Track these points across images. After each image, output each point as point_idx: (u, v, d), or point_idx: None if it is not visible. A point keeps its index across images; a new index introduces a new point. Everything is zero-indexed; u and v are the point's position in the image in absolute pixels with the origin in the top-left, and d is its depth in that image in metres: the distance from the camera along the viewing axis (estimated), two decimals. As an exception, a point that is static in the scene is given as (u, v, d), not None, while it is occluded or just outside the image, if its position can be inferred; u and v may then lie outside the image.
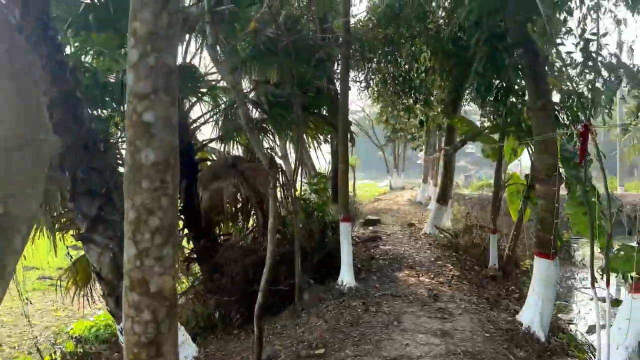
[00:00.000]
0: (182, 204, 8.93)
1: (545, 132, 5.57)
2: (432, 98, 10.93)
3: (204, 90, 8.56)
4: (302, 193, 9.70)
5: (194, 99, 9.06)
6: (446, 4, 9.40)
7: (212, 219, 8.74)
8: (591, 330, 6.62)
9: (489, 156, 10.91)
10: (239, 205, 8.32)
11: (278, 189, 8.53)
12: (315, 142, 10.83)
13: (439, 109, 11.41)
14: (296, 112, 7.00)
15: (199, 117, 9.50)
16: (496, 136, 10.60)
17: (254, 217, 8.61)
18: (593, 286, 4.40)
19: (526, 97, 6.61)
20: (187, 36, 7.75)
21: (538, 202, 5.76)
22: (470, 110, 21.68)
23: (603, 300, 4.47)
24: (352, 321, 5.53)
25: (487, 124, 10.87)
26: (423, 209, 19.26)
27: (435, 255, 9.72)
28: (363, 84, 11.22)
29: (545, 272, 5.53)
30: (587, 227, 10.06)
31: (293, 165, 9.73)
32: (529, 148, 10.12)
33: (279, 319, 6.44)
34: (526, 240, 12.62)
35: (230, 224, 9.56)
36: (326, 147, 12.70)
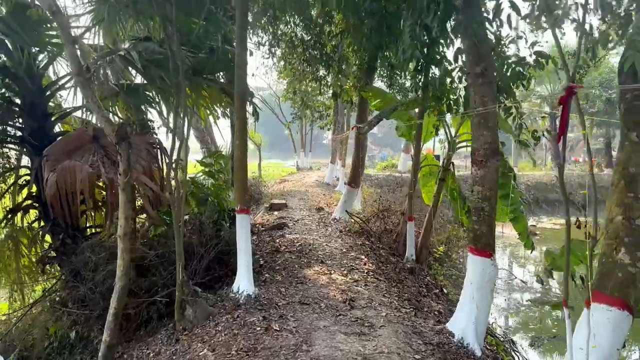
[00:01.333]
0: (34, 189, 6.89)
1: (485, 103, 4.60)
2: (345, 67, 9.73)
3: (56, 41, 6.51)
4: (200, 176, 8.07)
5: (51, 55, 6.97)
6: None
7: (73, 208, 6.79)
8: (534, 343, 5.98)
9: (404, 135, 10.09)
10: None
11: (160, 170, 6.87)
12: (212, 115, 9.24)
13: (351, 81, 10.30)
14: (182, 76, 5.36)
15: (59, 79, 7.40)
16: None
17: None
18: (566, 305, 3.50)
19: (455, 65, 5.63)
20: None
21: (474, 188, 4.84)
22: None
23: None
24: (249, 347, 4.19)
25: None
26: (331, 190, 18.40)
27: (347, 244, 8.70)
28: (267, 48, 9.71)
29: (482, 273, 4.64)
30: (505, 213, 9.62)
31: (176, 142, 8.11)
32: (446, 127, 9.45)
33: (152, 343, 4.90)
34: (438, 225, 12.20)
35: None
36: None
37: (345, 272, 6.81)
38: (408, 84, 9.75)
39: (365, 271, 6.89)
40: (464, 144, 9.47)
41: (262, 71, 35.47)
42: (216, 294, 5.73)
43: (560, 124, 3.38)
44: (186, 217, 6.64)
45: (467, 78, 4.78)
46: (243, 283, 5.48)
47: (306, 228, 10.29)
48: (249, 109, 10.05)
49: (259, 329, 4.58)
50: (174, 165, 5.37)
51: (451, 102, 7.22)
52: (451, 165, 9.15)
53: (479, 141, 4.75)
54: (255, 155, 28.81)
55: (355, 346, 4.23)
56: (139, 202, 6.41)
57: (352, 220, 10.66)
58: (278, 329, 4.56)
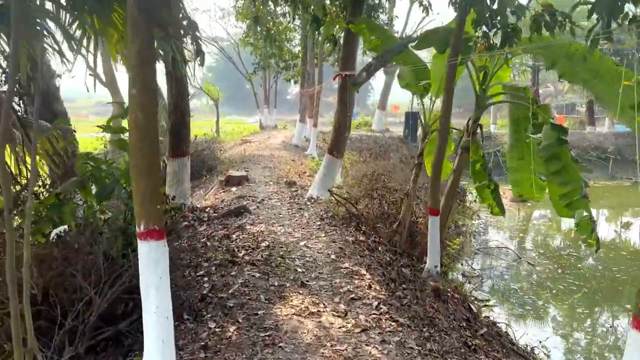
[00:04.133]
0: None
1: None
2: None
3: None
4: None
5: None
6: None
7: None
8: None
9: (409, 87, 7.35)
10: None
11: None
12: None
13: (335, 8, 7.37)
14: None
15: None
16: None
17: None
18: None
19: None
20: None
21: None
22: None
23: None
24: None
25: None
26: (301, 154, 15.62)
27: (335, 243, 6.07)
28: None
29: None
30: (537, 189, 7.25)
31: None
32: (474, 73, 6.75)
33: None
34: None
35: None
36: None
37: (342, 307, 4.19)
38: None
39: (374, 303, 4.29)
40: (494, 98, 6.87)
41: (219, 15, 31.17)
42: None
43: None
44: (61, 229, 3.75)
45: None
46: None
47: (275, 214, 7.57)
48: (188, 45, 7.06)
49: None
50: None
51: (512, 29, 4.50)
52: (478, 128, 6.56)
53: None
54: (213, 112, 25.43)
55: None
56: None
57: (335, 200, 8.02)
58: None
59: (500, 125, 27.80)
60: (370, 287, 4.65)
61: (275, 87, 27.63)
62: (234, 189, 9.36)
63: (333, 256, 5.52)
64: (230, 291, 4.37)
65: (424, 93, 7.10)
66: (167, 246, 2.76)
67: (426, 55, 13.88)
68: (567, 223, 15.29)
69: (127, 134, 3.97)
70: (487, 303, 8.65)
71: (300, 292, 4.48)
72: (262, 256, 5.37)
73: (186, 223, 7.28)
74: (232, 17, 21.30)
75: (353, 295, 4.42)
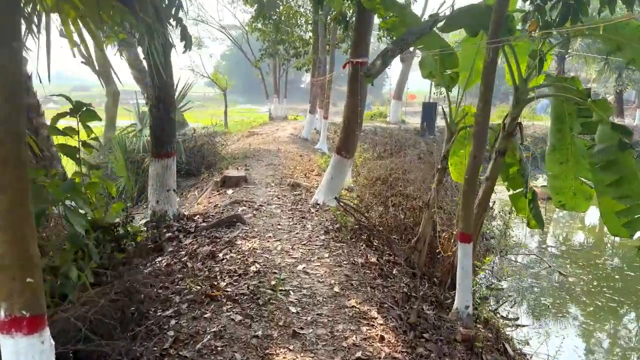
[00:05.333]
0: None
1: None
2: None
3: None
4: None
5: None
6: None
7: None
8: None
9: (433, 76, 6.18)
10: None
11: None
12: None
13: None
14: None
15: None
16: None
17: None
18: None
19: None
20: None
21: None
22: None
23: None
24: None
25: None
26: (310, 149, 14.52)
27: (341, 269, 4.98)
28: None
29: None
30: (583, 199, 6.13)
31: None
32: (513, 61, 5.54)
33: None
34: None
35: None
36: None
37: (345, 374, 3.12)
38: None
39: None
40: (537, 93, 5.68)
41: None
42: None
43: None
44: None
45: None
46: None
47: (272, 224, 6.51)
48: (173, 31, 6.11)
49: None
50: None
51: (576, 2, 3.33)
52: (518, 127, 5.38)
53: None
54: (221, 101, 24.40)
55: None
56: None
57: (341, 205, 6.93)
58: None
59: (524, 117, 26.19)
60: (382, 339, 3.56)
61: (286, 75, 26.45)
62: (230, 191, 8.32)
63: (337, 288, 4.44)
64: (197, 346, 3.33)
65: (450, 84, 5.93)
66: (53, 342, 1.70)
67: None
68: (591, 218, 13.94)
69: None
70: (517, 322, 7.55)
71: (291, 346, 3.42)
72: (248, 288, 4.32)
73: (170, 235, 6.29)
74: (241, 1, 20.08)
75: (360, 354, 3.35)
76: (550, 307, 8.53)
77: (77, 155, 3.70)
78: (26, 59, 6.06)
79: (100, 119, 3.83)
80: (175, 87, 11.72)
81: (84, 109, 3.86)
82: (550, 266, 10.41)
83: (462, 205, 4.11)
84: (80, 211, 3.32)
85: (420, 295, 4.60)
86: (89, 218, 3.63)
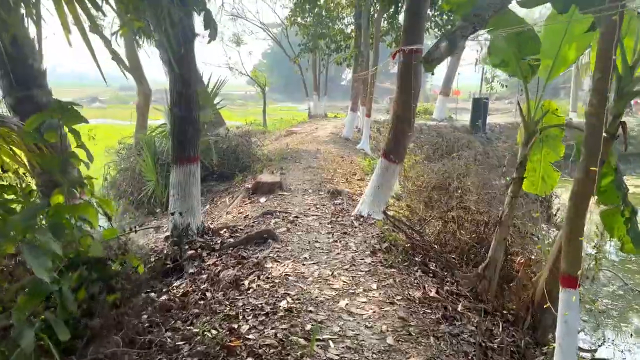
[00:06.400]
0: None
1: None
2: None
3: None
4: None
5: None
6: None
7: None
8: None
9: (505, 66, 5.03)
10: None
11: None
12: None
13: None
14: None
15: None
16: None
17: None
18: None
19: None
20: None
21: None
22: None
23: None
24: None
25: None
26: (352, 149, 13.50)
27: (393, 308, 3.97)
28: None
29: None
30: None
31: None
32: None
33: None
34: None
35: None
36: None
37: None
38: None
39: None
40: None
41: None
42: None
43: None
44: None
45: None
46: None
47: (309, 242, 5.56)
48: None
49: None
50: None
51: None
52: (621, 128, 4.18)
53: None
54: (267, 98, 23.68)
55: None
56: None
57: (389, 221, 5.90)
58: None
59: (583, 113, 24.04)
60: None
61: (326, 72, 25.48)
62: (262, 199, 7.45)
63: (390, 339, 3.43)
64: None
65: (528, 75, 4.78)
66: None
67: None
68: None
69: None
70: (595, 355, 6.28)
71: None
72: (276, 335, 3.38)
73: (191, 252, 5.47)
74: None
75: None
76: (632, 334, 7.18)
77: (58, 168, 2.88)
78: (41, 55, 5.40)
79: (86, 121, 2.99)
80: (207, 83, 11.08)
81: (69, 107, 3.04)
82: (625, 283, 8.95)
83: (566, 236, 3.00)
84: (56, 245, 2.47)
85: (499, 347, 3.52)
86: (72, 252, 2.80)
